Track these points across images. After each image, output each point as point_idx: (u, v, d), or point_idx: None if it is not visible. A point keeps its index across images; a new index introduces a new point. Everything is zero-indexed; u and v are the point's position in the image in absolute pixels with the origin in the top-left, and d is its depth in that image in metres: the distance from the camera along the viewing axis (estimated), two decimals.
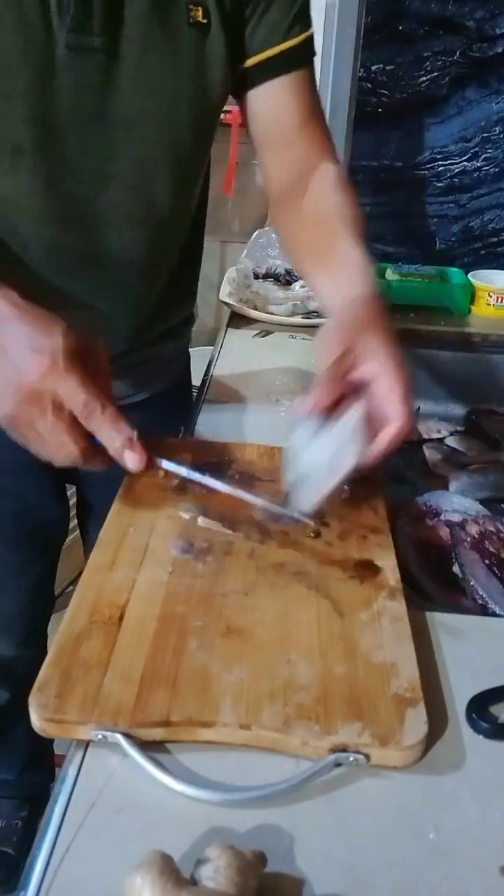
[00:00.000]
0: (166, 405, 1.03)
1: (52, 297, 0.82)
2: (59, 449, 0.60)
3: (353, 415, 0.64)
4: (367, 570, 0.62)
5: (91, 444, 0.61)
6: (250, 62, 0.81)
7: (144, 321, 0.93)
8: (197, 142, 0.83)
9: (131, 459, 0.62)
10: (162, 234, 0.86)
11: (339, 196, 0.82)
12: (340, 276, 0.76)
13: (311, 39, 0.84)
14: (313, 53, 0.86)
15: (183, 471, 0.68)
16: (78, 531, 1.28)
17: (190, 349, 1.14)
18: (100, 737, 0.47)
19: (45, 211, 0.78)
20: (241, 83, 0.84)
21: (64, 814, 0.45)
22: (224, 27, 0.76)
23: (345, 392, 0.65)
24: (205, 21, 0.75)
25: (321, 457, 0.64)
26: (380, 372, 0.64)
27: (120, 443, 0.61)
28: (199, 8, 0.75)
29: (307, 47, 0.84)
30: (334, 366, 0.64)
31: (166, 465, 0.67)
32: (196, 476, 0.68)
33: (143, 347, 0.96)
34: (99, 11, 0.70)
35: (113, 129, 0.76)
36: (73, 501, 1.20)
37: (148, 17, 0.73)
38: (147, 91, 0.75)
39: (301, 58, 0.83)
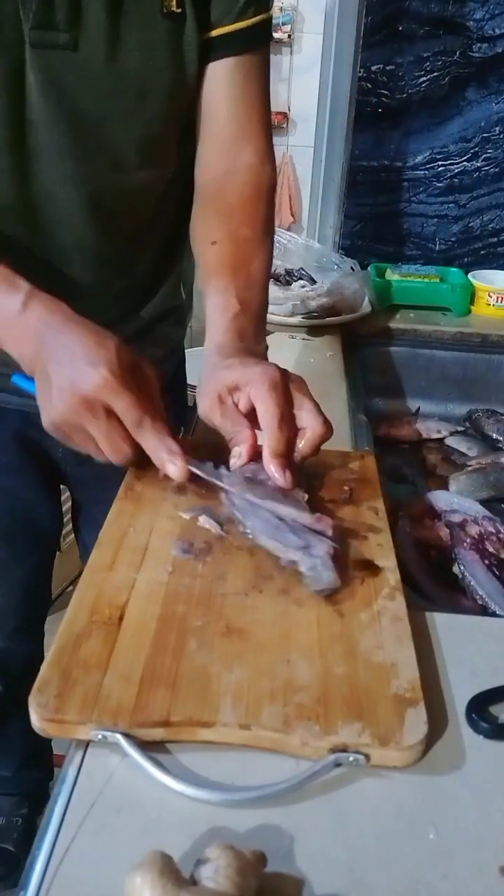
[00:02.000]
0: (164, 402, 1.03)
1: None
2: (113, 450, 0.64)
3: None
4: (367, 570, 0.62)
5: (139, 447, 0.65)
6: (205, 36, 0.77)
7: (123, 317, 0.92)
8: (172, 133, 0.81)
9: (173, 471, 0.66)
10: (137, 228, 0.85)
11: (248, 210, 0.82)
12: (210, 318, 0.76)
13: (266, 22, 0.81)
14: (268, 38, 0.83)
15: (211, 479, 0.68)
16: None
17: (190, 349, 1.13)
18: (100, 737, 0.47)
19: (17, 208, 0.78)
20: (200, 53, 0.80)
21: (64, 814, 0.45)
22: (197, 14, 0.74)
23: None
24: (179, 10, 0.73)
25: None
26: (255, 397, 0.65)
27: (164, 456, 0.66)
28: None
29: (263, 30, 0.80)
30: (225, 415, 0.68)
31: (196, 471, 0.68)
32: (222, 484, 0.68)
33: (131, 345, 0.95)
34: (63, 5, 0.68)
35: (84, 125, 0.75)
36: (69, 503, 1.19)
37: (116, 10, 0.70)
38: (119, 87, 0.74)
39: (253, 41, 0.79)
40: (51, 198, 0.78)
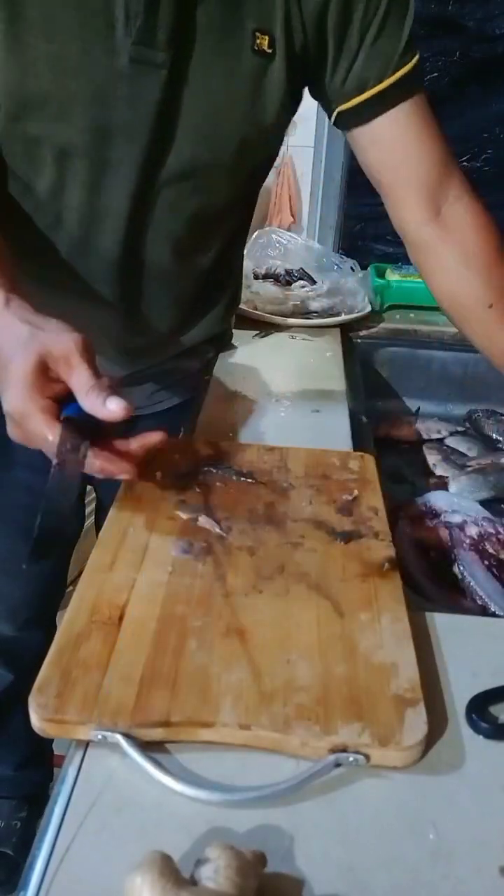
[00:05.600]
0: (183, 417, 1.04)
1: (75, 301, 0.83)
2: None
3: None
4: (367, 570, 0.62)
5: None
6: (366, 95, 0.79)
7: (171, 334, 0.94)
8: (241, 164, 0.82)
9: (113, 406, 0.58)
10: (191, 249, 0.86)
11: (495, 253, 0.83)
12: None
13: (420, 62, 0.81)
14: (423, 77, 0.83)
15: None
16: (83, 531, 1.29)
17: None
18: (99, 737, 0.47)
19: (84, 216, 0.79)
20: (353, 118, 0.81)
21: (64, 814, 0.45)
22: (289, 61, 0.75)
23: None
24: (269, 51, 0.74)
25: None
26: None
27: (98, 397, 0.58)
28: (266, 37, 0.73)
29: (419, 70, 0.81)
30: None
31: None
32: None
33: (168, 362, 0.97)
34: (165, 26, 0.70)
35: (162, 144, 0.76)
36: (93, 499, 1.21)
37: (213, 39, 0.72)
38: (202, 112, 0.75)
39: (416, 82, 0.81)
40: (114, 211, 0.79)
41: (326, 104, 0.84)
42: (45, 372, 0.58)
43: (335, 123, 0.84)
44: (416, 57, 0.80)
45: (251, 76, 0.75)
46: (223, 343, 1.09)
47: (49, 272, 0.82)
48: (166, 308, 0.92)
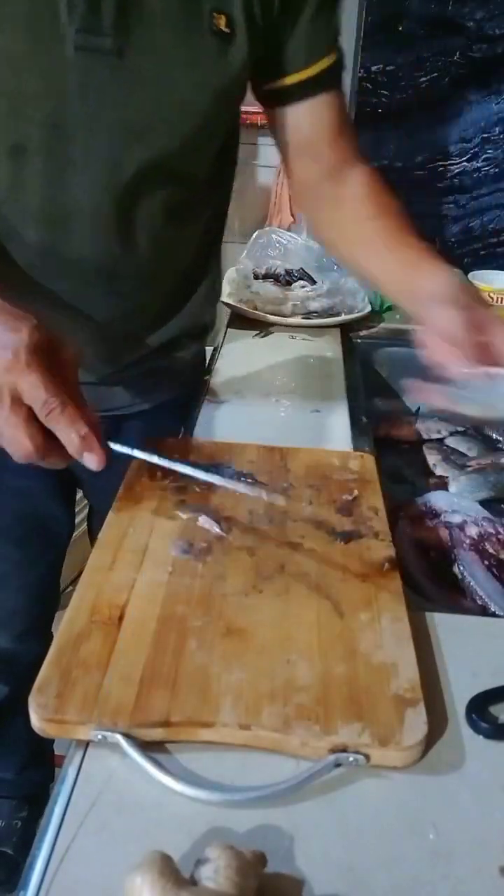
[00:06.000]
0: (174, 414, 1.01)
1: (48, 301, 0.82)
2: (12, 443, 0.58)
3: None
4: (367, 570, 0.62)
5: (48, 441, 0.58)
6: (290, 80, 0.81)
7: (149, 328, 0.92)
8: (206, 148, 0.81)
9: (90, 460, 0.59)
10: (166, 240, 0.85)
11: (386, 196, 0.87)
12: (419, 265, 0.77)
13: (343, 57, 0.85)
14: (344, 69, 0.86)
15: (137, 453, 0.64)
16: (78, 531, 1.29)
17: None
18: (99, 737, 0.47)
19: (46, 213, 0.77)
20: (275, 98, 0.83)
21: (64, 814, 0.45)
22: (250, 39, 0.74)
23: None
24: (228, 30, 0.73)
25: None
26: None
27: (77, 442, 0.58)
28: (223, 16, 0.72)
29: (341, 65, 0.84)
30: (470, 338, 0.68)
31: (117, 448, 0.63)
32: (155, 459, 0.65)
33: (151, 357, 0.95)
34: (110, 10, 0.68)
35: (121, 133, 0.74)
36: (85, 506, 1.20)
37: (164, 20, 0.70)
38: (159, 97, 0.73)
39: (337, 76, 0.84)
40: (81, 207, 0.77)
41: (257, 80, 0.84)
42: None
43: (259, 98, 0.85)
44: (341, 55, 0.84)
45: (211, 57, 0.73)
46: (205, 337, 1.06)
47: (13, 272, 0.80)
48: (144, 304, 0.89)
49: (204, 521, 0.67)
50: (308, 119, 0.85)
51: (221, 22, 0.72)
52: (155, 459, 0.65)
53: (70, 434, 0.58)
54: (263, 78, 0.82)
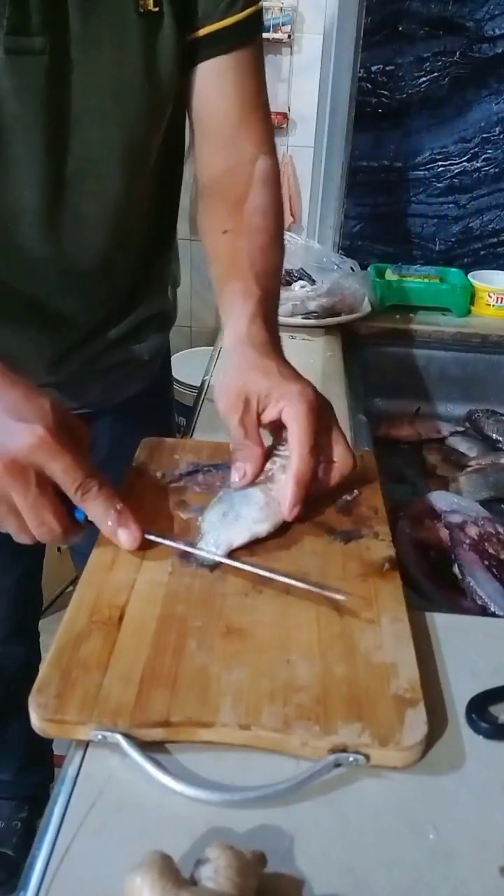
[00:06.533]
0: (144, 408, 1.01)
1: (7, 302, 0.81)
2: (39, 526, 0.56)
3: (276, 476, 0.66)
4: (367, 570, 0.62)
5: (73, 521, 0.58)
6: (193, 36, 0.76)
7: (109, 321, 0.91)
8: (150, 136, 0.80)
9: (125, 536, 0.60)
10: (118, 233, 0.83)
11: (259, 216, 0.79)
12: (231, 307, 0.73)
13: (257, 15, 0.79)
14: (260, 30, 0.81)
15: (172, 544, 0.63)
16: None
17: (190, 349, 1.13)
18: (99, 737, 0.47)
19: None
20: (189, 57, 0.78)
21: (64, 814, 0.45)
22: (175, 13, 0.72)
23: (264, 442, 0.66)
24: (156, 9, 0.71)
25: (247, 507, 0.65)
26: (285, 408, 0.64)
27: (115, 519, 0.59)
28: None
29: (253, 23, 0.79)
30: (243, 422, 0.64)
31: (155, 539, 0.63)
32: (180, 546, 0.63)
33: (114, 349, 0.94)
34: (37, 9, 0.67)
35: (63, 131, 0.73)
36: None
37: (90, 11, 0.69)
38: (93, 89, 0.72)
39: (245, 34, 0.78)
40: (29, 207, 0.76)
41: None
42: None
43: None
44: (256, 9, 0.78)
45: (140, 40, 0.72)
46: (168, 326, 1.04)
47: None
48: (101, 297, 0.88)
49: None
50: (215, 83, 0.79)
51: (149, 2, 0.71)
52: (187, 548, 0.62)
53: (108, 512, 0.59)
54: (182, 37, 0.76)
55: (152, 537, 0.62)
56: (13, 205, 0.76)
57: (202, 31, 0.76)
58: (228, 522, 0.64)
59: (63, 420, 0.56)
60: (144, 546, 0.62)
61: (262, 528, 0.64)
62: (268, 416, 0.65)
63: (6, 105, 0.70)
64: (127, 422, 0.97)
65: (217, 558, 0.61)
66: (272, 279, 0.77)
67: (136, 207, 0.84)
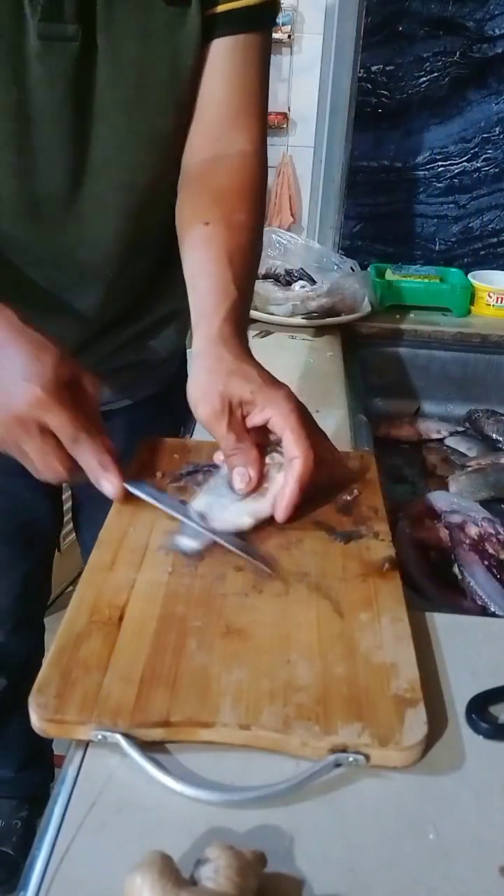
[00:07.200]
0: (158, 408, 1.01)
1: (26, 293, 0.81)
2: (46, 468, 0.63)
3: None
4: (366, 570, 0.62)
5: (76, 464, 0.64)
6: (211, 11, 0.74)
7: (125, 317, 0.91)
8: (173, 126, 0.79)
9: (107, 486, 0.65)
10: (140, 225, 0.83)
11: (234, 199, 0.78)
12: (204, 304, 0.72)
13: (273, 5, 0.78)
14: (272, 21, 0.80)
15: (148, 499, 0.67)
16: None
17: (187, 349, 1.13)
18: (99, 737, 0.47)
19: (18, 204, 0.76)
20: (206, 33, 0.77)
21: (64, 814, 0.45)
22: (202, 4, 0.72)
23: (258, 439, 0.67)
24: None
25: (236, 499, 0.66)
26: (273, 415, 0.64)
27: (97, 471, 0.64)
28: None
29: (268, 13, 0.78)
30: (232, 428, 0.65)
31: (134, 490, 0.67)
32: (166, 508, 0.67)
33: (129, 347, 0.94)
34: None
35: (88, 119, 0.73)
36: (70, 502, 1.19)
37: (124, 0, 0.69)
38: (122, 78, 0.72)
39: (259, 21, 0.77)
40: (52, 195, 0.77)
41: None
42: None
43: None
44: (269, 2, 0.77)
45: (166, 30, 0.72)
46: (183, 326, 1.02)
47: None
48: (117, 292, 0.88)
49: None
50: (219, 63, 0.77)
51: None
52: (166, 508, 0.67)
53: (93, 463, 0.63)
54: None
55: (135, 490, 0.66)
56: (37, 191, 0.76)
57: (220, 8, 0.75)
58: (216, 510, 0.65)
59: (65, 376, 0.61)
60: (132, 500, 0.67)
61: (247, 522, 0.65)
62: (252, 422, 0.66)
63: (35, 91, 0.70)
64: (142, 422, 0.96)
65: (200, 528, 0.64)
66: (248, 280, 0.77)
67: (158, 198, 0.84)
